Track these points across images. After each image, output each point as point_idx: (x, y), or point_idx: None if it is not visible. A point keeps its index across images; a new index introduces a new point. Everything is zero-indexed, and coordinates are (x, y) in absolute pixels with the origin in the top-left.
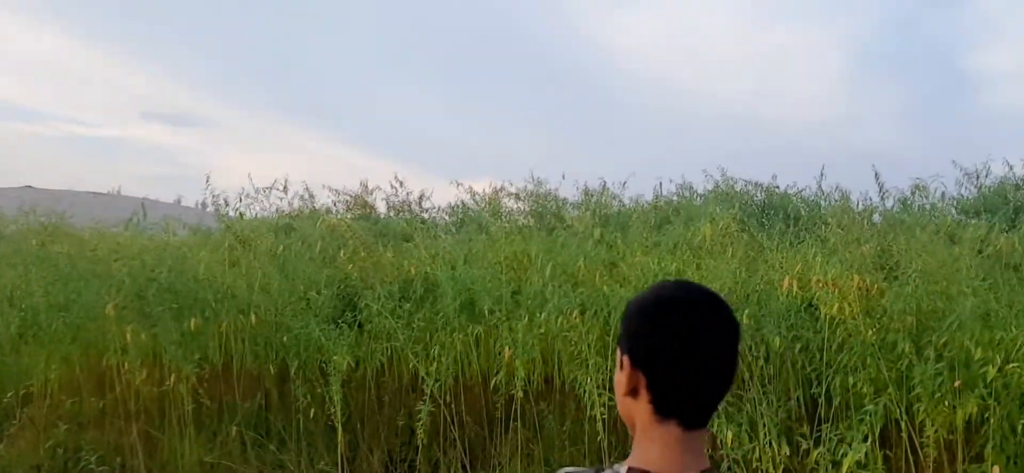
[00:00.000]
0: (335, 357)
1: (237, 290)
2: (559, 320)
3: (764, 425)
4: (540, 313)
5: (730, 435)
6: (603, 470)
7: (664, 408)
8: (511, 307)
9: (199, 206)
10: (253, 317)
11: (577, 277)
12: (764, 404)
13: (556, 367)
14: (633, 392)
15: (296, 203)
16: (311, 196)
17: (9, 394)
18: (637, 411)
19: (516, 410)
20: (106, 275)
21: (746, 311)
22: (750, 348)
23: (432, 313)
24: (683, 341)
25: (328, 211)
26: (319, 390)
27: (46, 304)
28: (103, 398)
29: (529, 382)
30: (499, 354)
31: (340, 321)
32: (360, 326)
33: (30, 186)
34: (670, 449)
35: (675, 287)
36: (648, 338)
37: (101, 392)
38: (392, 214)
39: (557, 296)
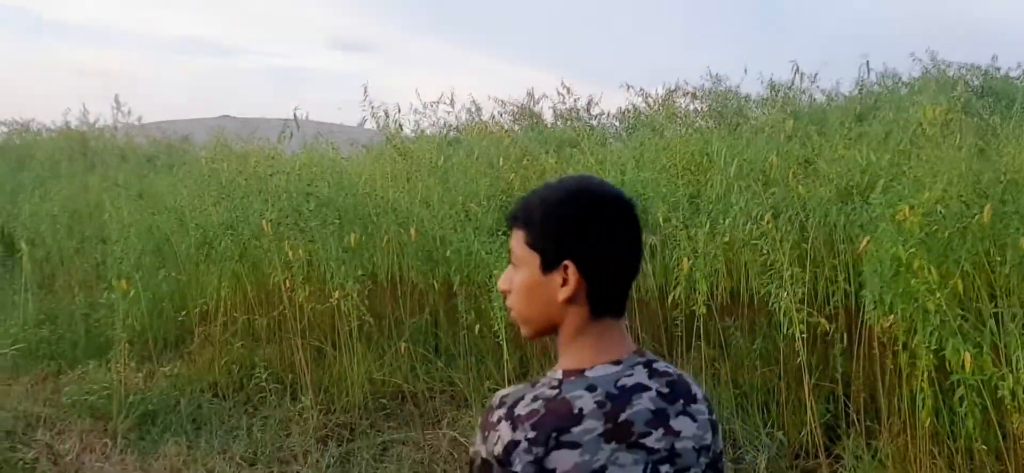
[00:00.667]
0: (497, 271)
1: (399, 204)
2: (747, 226)
3: (1013, 344)
4: (723, 219)
5: (967, 357)
6: (538, 381)
7: (600, 307)
8: (689, 213)
9: (371, 125)
10: (413, 231)
11: (768, 176)
12: (1012, 321)
13: (742, 279)
14: (570, 299)
15: (462, 117)
16: (477, 109)
17: (183, 313)
18: (570, 314)
19: (698, 327)
20: (264, 191)
21: (985, 208)
22: (988, 252)
23: None
24: (616, 233)
25: (495, 123)
26: (484, 305)
27: (216, 222)
28: (271, 315)
29: (712, 296)
30: (676, 266)
31: (502, 233)
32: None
33: (227, 115)
34: (600, 342)
35: (594, 182)
36: (593, 236)
37: (270, 309)
38: (559, 123)
39: (744, 199)
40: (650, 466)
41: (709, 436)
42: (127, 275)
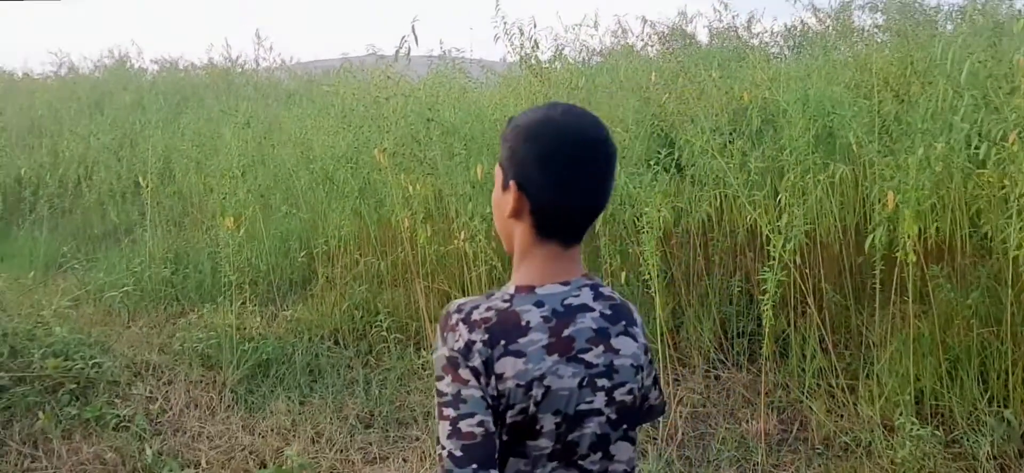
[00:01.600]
0: (648, 209)
1: None
2: (978, 149)
3: None
4: (940, 141)
5: None
6: (493, 294)
7: (544, 229)
8: (896, 134)
9: (503, 49)
10: None
11: (1012, 84)
12: None
13: (956, 219)
14: (516, 214)
15: (607, 41)
16: (623, 31)
17: (303, 253)
18: (519, 231)
19: (895, 276)
20: (379, 118)
21: None
22: None
23: (774, 150)
24: (564, 165)
25: (643, 45)
26: (631, 249)
27: (337, 154)
28: (394, 256)
29: (919, 239)
30: (871, 202)
31: (653, 164)
32: (679, 169)
33: (377, 52)
34: (550, 264)
35: (561, 112)
36: (534, 162)
37: (393, 250)
38: (715, 43)
39: (972, 113)
40: (587, 378)
41: (644, 357)
42: (238, 213)
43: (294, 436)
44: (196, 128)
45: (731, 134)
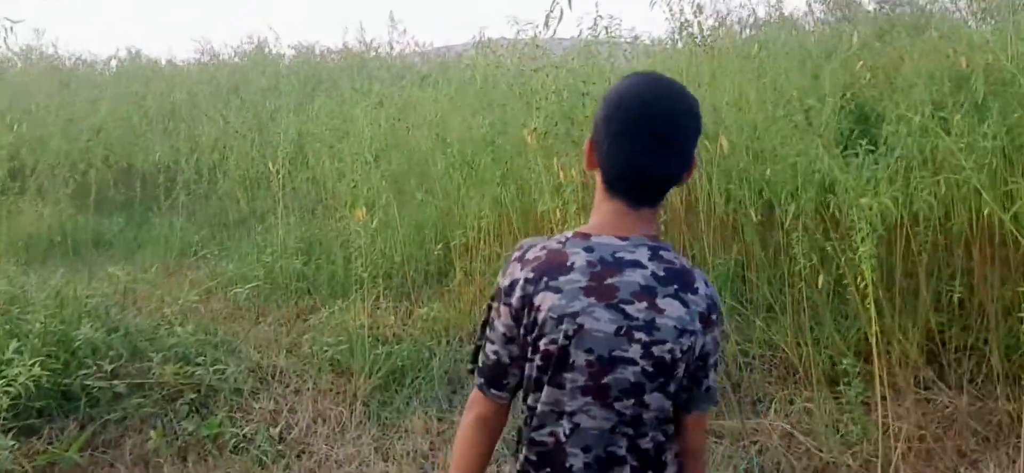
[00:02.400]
0: (863, 199)
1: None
2: None
3: None
4: None
5: None
6: (553, 238)
7: (610, 186)
8: None
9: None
10: (723, 142)
11: None
12: None
13: None
14: (590, 165)
15: (760, 11)
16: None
17: (440, 245)
18: (598, 185)
19: None
20: (527, 95)
21: None
22: None
23: (1003, 125)
24: (620, 126)
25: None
26: (831, 247)
27: (476, 136)
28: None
29: None
30: None
31: (850, 145)
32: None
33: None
34: (615, 219)
35: (635, 79)
36: (602, 122)
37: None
38: (882, 9)
39: None
40: (625, 327)
41: (697, 324)
42: (371, 200)
43: (433, 463)
44: (329, 110)
45: (952, 108)
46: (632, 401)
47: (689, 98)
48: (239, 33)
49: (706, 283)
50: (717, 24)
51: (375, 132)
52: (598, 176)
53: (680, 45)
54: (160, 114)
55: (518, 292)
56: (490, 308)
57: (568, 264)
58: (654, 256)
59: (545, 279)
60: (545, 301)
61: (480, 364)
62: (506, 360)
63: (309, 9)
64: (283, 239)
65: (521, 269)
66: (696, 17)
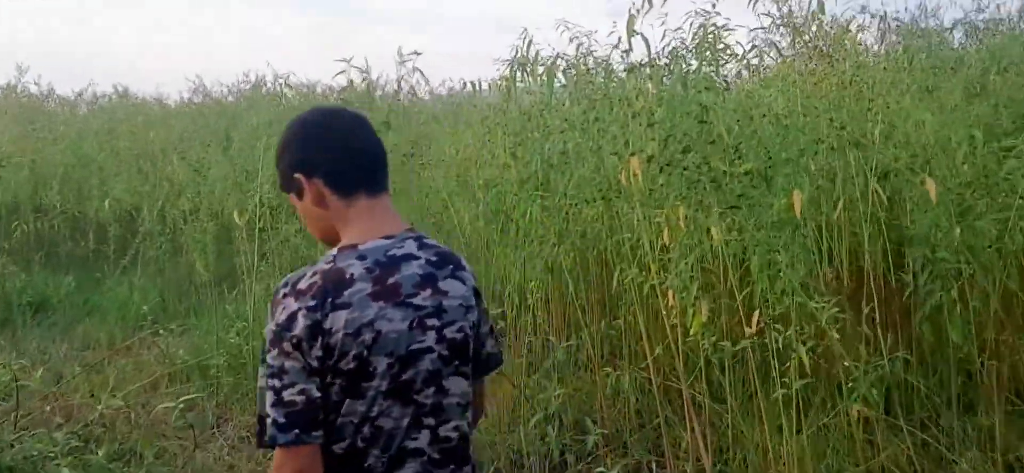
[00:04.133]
0: None
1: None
2: None
3: None
4: None
5: None
6: (318, 261)
7: (345, 187)
8: None
9: None
10: (930, 187)
11: None
12: None
13: None
14: (320, 201)
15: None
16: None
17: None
18: (332, 212)
19: None
20: (626, 113)
21: None
22: None
23: None
24: (330, 131)
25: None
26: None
27: (507, 177)
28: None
29: None
30: None
31: None
32: None
33: None
34: (368, 220)
35: (310, 112)
36: (308, 149)
37: (657, 337)
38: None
39: None
40: (417, 319)
41: (472, 300)
42: None
43: None
44: None
45: None
46: (433, 389)
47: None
48: (235, 72)
49: (462, 258)
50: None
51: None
52: (333, 201)
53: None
54: (131, 156)
55: (301, 322)
56: (272, 353)
57: (347, 277)
58: (421, 245)
59: (330, 300)
60: (337, 321)
61: (283, 419)
62: (316, 394)
63: (311, 48)
64: (255, 311)
65: (296, 301)
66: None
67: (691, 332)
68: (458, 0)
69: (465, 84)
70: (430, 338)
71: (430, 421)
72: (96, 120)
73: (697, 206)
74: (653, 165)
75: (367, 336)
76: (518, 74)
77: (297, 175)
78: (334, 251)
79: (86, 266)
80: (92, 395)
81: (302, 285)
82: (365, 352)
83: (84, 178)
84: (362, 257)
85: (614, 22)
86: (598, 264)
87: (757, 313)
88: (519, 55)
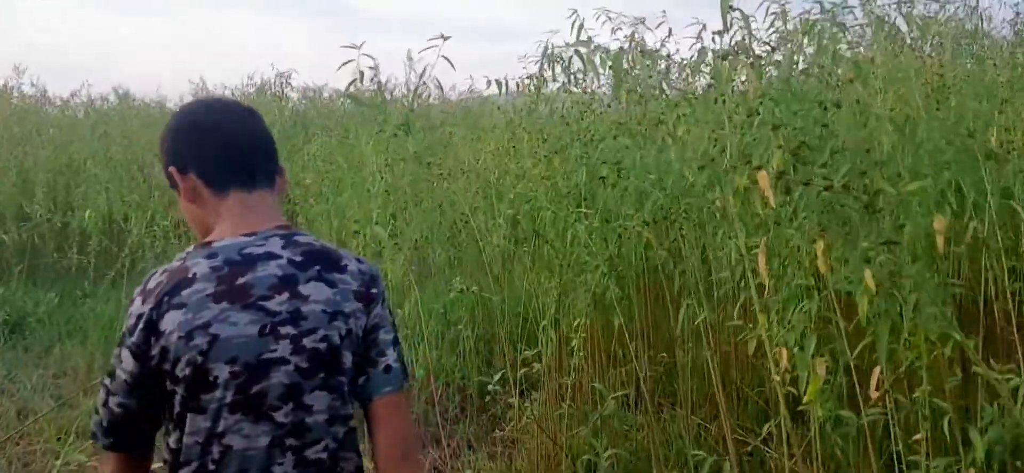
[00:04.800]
0: None
1: None
2: None
3: None
4: None
5: None
6: (178, 256)
7: (217, 182)
8: None
9: None
10: (938, 230)
11: None
12: None
13: None
14: (194, 197)
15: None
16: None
17: (497, 375)
18: (206, 207)
19: None
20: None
21: None
22: None
23: None
24: (205, 124)
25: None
26: None
27: (550, 193)
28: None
29: None
30: None
31: None
32: None
33: None
34: (238, 218)
35: (189, 103)
36: (182, 142)
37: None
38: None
39: None
40: (269, 325)
41: (351, 304)
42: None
43: None
44: (328, 152)
45: None
46: (291, 406)
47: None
48: (240, 74)
49: (358, 259)
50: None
51: (391, 179)
52: (207, 196)
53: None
54: (125, 162)
55: (140, 327)
56: (116, 351)
57: (190, 276)
58: (288, 243)
59: (167, 299)
60: (171, 322)
61: (106, 423)
62: (134, 409)
63: (318, 54)
64: None
65: (144, 303)
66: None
67: (805, 399)
68: (464, 8)
69: (488, 82)
70: (284, 348)
71: (292, 442)
72: (90, 123)
73: (841, 237)
74: (781, 182)
75: (200, 340)
76: (553, 70)
77: (171, 169)
78: (192, 247)
79: (71, 280)
80: (59, 439)
81: (151, 284)
82: (200, 358)
83: (73, 185)
84: (212, 255)
85: (663, 10)
86: (653, 297)
87: (878, 370)
88: (550, 51)
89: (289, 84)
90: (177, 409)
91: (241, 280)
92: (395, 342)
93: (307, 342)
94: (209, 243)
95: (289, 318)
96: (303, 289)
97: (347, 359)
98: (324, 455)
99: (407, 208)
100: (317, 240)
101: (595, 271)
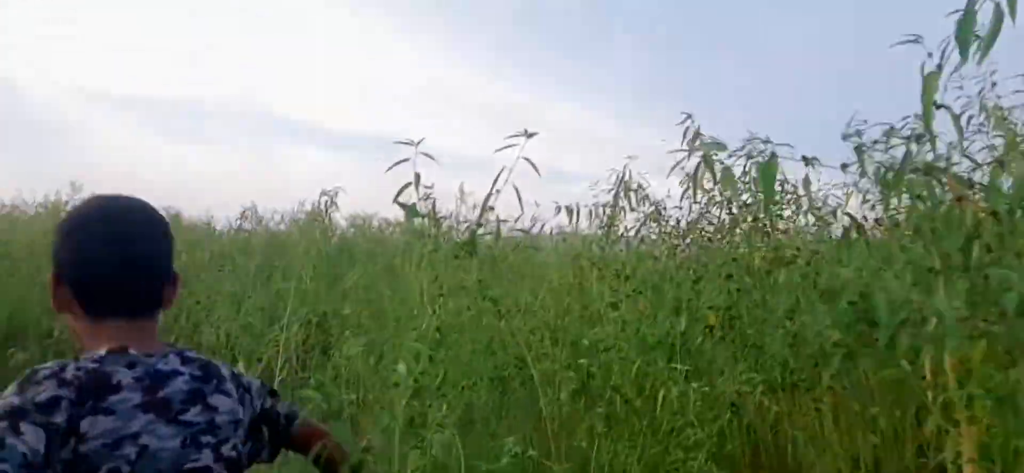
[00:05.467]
0: None
1: None
2: None
3: None
4: None
5: None
6: (80, 360)
7: (93, 309)
8: None
9: None
10: None
11: None
12: None
13: None
14: (67, 308)
15: None
16: None
17: None
18: (79, 324)
19: None
20: None
21: None
22: None
23: None
24: (93, 231)
25: None
26: None
27: (631, 342)
28: None
29: None
30: None
31: None
32: None
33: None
34: (115, 340)
35: (87, 203)
36: (64, 248)
37: None
38: None
39: None
40: (190, 436)
41: (242, 410)
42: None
43: None
44: (370, 279)
45: None
46: None
47: (150, 209)
48: (292, 199)
49: (224, 364)
50: None
51: (444, 319)
52: (80, 316)
53: None
54: None
55: (62, 413)
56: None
57: (114, 383)
58: (185, 360)
59: (91, 402)
60: (95, 427)
61: None
62: None
63: (372, 182)
64: None
65: (61, 388)
66: None
67: None
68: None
69: (558, 208)
70: (206, 456)
71: None
72: None
73: None
74: None
75: (129, 450)
76: (630, 199)
77: (53, 270)
78: (101, 352)
79: None
80: None
81: (68, 375)
82: (126, 468)
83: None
84: (131, 364)
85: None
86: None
87: None
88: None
89: (335, 204)
90: None
91: (161, 393)
92: (272, 393)
93: (224, 450)
94: (124, 350)
95: (206, 428)
96: (211, 401)
97: (244, 463)
98: None
99: (456, 346)
100: (201, 355)
101: (696, 448)
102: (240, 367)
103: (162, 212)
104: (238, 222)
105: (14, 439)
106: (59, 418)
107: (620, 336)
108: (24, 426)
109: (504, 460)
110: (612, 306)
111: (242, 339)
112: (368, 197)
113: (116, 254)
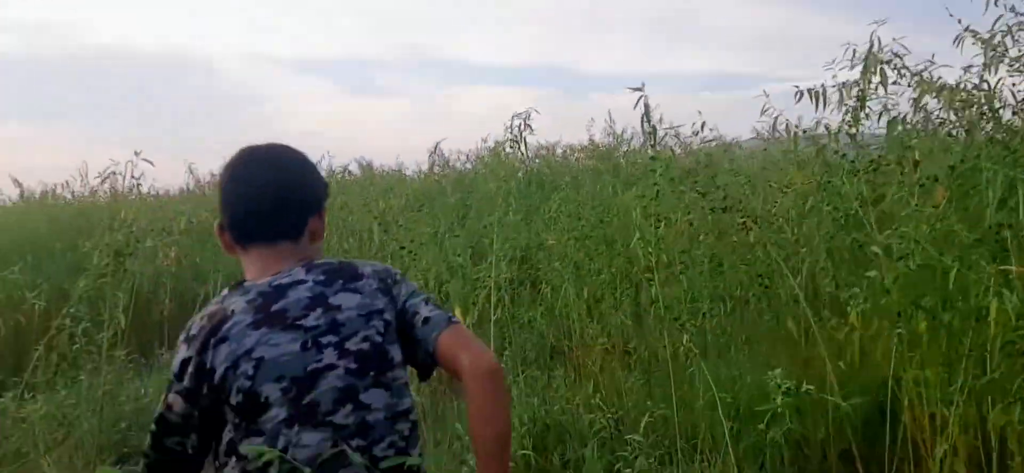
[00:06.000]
0: None
1: None
2: None
3: None
4: None
5: None
6: (215, 299)
7: (242, 237)
8: None
9: None
10: None
11: None
12: None
13: None
14: (229, 246)
15: None
16: None
17: None
18: (239, 255)
19: None
20: None
21: None
22: None
23: None
24: (234, 177)
25: None
26: None
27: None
28: None
29: None
30: None
31: None
32: None
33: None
34: (259, 265)
35: (241, 150)
36: (220, 197)
37: None
38: None
39: None
40: (310, 340)
41: (380, 301)
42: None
43: None
44: (573, 206)
45: None
46: (350, 407)
47: (295, 151)
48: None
49: (370, 263)
50: None
51: (672, 234)
52: (234, 246)
53: None
54: (357, 229)
55: (190, 371)
56: (168, 389)
57: (229, 313)
58: (310, 268)
59: (211, 340)
60: (218, 357)
61: (151, 457)
62: (178, 450)
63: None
64: None
65: (189, 348)
66: None
67: None
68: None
69: (800, 93)
70: (330, 355)
71: (358, 442)
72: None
73: None
74: None
75: (246, 366)
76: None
77: (216, 224)
78: (226, 290)
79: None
80: None
81: (194, 330)
82: (248, 383)
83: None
84: (246, 291)
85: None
86: None
87: None
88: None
89: (529, 126)
90: (232, 437)
91: (276, 306)
92: (425, 300)
93: (351, 345)
94: (241, 282)
95: (328, 328)
96: (333, 300)
97: (395, 354)
98: (389, 451)
99: (689, 268)
100: (335, 259)
101: None
102: (457, 313)
103: (355, 162)
104: (429, 164)
105: (167, 412)
106: (188, 381)
107: (917, 236)
108: (171, 398)
109: (778, 399)
110: (907, 199)
111: (452, 283)
112: (543, 126)
113: (260, 184)
